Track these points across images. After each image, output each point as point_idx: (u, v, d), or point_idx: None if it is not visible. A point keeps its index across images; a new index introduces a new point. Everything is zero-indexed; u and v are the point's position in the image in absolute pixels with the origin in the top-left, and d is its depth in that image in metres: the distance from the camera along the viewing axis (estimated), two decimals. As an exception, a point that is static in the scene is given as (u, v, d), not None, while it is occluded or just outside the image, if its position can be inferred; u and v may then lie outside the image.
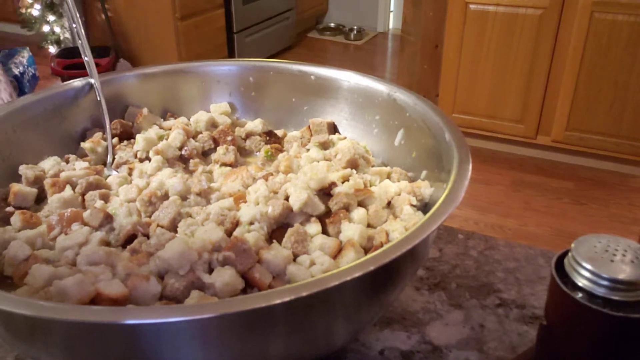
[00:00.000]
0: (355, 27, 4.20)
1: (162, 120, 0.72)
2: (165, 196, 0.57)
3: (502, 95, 2.44)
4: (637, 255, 0.37)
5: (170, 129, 0.68)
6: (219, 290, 0.45)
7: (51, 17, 3.12)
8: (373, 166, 0.64)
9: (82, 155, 0.66)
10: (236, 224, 0.53)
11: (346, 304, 0.42)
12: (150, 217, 0.55)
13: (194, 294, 0.44)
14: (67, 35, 3.19)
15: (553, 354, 0.41)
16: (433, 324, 0.56)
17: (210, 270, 0.47)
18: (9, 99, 1.90)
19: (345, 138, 0.68)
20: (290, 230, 0.51)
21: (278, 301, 0.36)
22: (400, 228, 0.52)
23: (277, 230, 0.54)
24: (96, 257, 0.48)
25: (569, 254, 0.38)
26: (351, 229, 0.52)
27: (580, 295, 0.37)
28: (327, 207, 0.55)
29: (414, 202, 0.56)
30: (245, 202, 0.56)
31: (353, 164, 0.62)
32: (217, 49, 3.24)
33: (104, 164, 0.65)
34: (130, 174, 0.63)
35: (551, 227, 2.14)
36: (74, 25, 0.63)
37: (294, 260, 0.50)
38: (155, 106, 0.72)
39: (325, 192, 0.56)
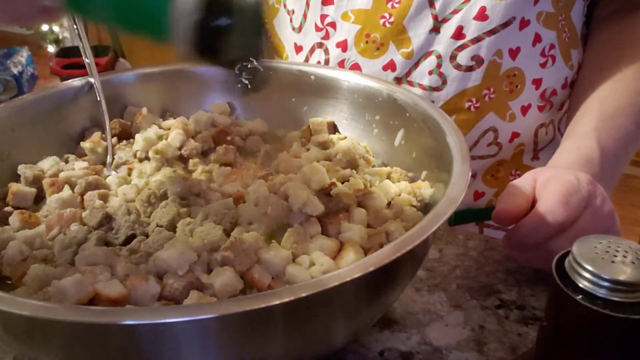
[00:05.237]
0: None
1: (162, 120, 0.71)
2: (165, 196, 0.57)
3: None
4: (638, 257, 0.37)
5: (169, 129, 0.68)
6: (217, 291, 0.45)
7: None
8: (373, 166, 0.64)
9: (81, 155, 0.66)
10: (235, 224, 0.53)
11: (346, 305, 0.42)
12: (149, 217, 0.55)
13: (193, 294, 0.44)
14: (66, 34, 3.19)
15: (553, 355, 0.41)
16: (433, 325, 0.56)
17: (209, 271, 0.47)
18: None
19: (345, 138, 0.68)
20: (289, 230, 0.51)
21: (277, 302, 0.36)
22: (400, 229, 0.52)
23: (276, 230, 0.53)
24: (95, 257, 0.48)
25: (570, 255, 0.38)
26: (351, 230, 0.52)
27: (580, 296, 0.37)
28: (326, 207, 0.55)
29: (414, 203, 0.55)
30: (245, 202, 0.56)
31: (353, 164, 0.62)
32: (217, 48, 3.24)
33: (104, 163, 0.65)
34: (129, 174, 0.62)
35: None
36: (75, 27, 0.63)
37: (294, 260, 0.49)
38: (154, 106, 0.72)
39: (325, 193, 0.56)
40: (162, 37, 0.43)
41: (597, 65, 0.74)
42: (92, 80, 0.67)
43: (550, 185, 0.56)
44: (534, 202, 0.56)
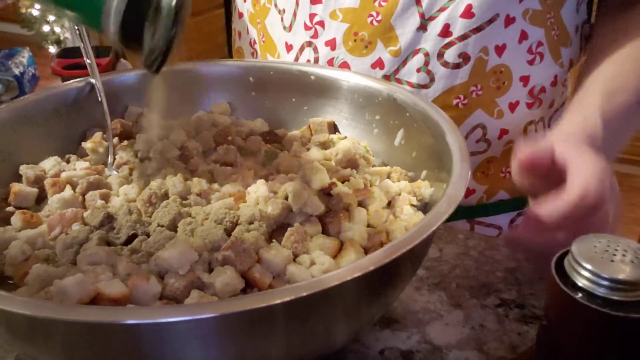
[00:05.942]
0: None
1: (162, 120, 0.71)
2: (165, 196, 0.57)
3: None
4: (637, 255, 0.37)
5: (170, 129, 0.68)
6: (218, 290, 0.45)
7: (51, 17, 3.12)
8: (373, 166, 0.64)
9: (82, 155, 0.66)
10: (236, 223, 0.53)
11: (346, 304, 0.42)
12: (150, 216, 0.55)
13: (194, 293, 0.44)
14: (68, 35, 3.19)
15: (553, 354, 0.41)
16: (433, 324, 0.56)
17: (210, 270, 0.47)
18: None
19: (345, 138, 0.68)
20: (290, 229, 0.51)
21: (278, 301, 0.36)
22: (401, 228, 0.52)
23: (277, 230, 0.53)
24: (97, 257, 0.48)
25: (569, 254, 0.38)
26: (351, 229, 0.52)
27: (580, 295, 0.37)
28: (327, 207, 0.55)
29: (414, 202, 0.56)
30: (245, 202, 0.56)
31: (353, 164, 0.62)
32: (217, 48, 3.24)
33: (105, 164, 0.65)
34: (130, 174, 0.63)
35: (551, 226, 2.14)
36: (76, 27, 0.63)
37: (294, 260, 0.50)
38: (154, 106, 0.72)
39: (325, 192, 0.56)
40: (92, 20, 0.47)
41: (601, 52, 0.73)
42: (93, 80, 0.67)
43: (585, 162, 0.52)
44: (552, 169, 0.52)
